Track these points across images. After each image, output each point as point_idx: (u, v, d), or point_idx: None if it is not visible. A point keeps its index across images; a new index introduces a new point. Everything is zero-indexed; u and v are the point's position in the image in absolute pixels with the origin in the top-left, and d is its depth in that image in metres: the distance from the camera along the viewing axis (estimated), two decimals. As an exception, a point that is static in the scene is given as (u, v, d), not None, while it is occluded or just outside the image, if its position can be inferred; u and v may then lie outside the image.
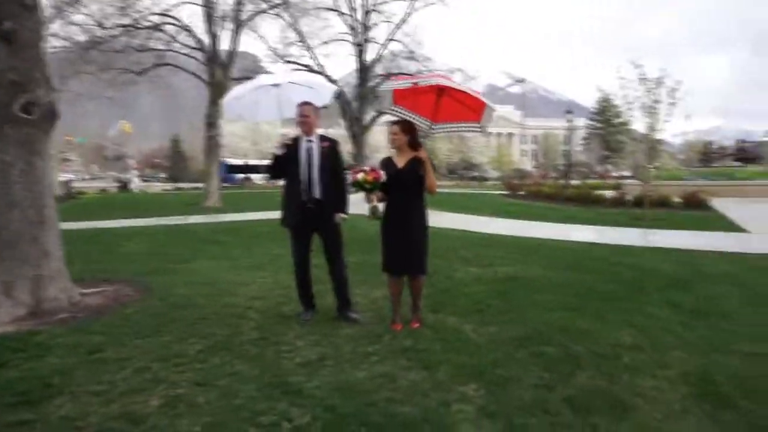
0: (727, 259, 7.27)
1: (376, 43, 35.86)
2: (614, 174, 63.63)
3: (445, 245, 8.40)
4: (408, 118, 4.26)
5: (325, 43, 33.65)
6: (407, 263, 4.11)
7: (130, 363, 3.37)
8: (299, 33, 31.28)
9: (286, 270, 6.56)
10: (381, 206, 4.15)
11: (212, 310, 4.62)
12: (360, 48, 33.81)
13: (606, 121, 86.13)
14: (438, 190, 4.18)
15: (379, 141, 62.38)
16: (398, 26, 33.97)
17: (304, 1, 24.16)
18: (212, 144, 17.89)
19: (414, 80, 4.09)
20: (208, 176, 17.91)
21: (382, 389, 3.00)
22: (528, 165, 75.84)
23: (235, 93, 5.36)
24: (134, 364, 3.35)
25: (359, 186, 4.07)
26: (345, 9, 31.73)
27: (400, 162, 4.11)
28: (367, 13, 33.63)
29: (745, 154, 21.75)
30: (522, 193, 21.54)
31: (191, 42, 18.51)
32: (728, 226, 10.88)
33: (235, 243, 8.95)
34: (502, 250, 7.99)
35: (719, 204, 14.81)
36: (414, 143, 4.11)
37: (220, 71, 17.97)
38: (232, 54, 17.95)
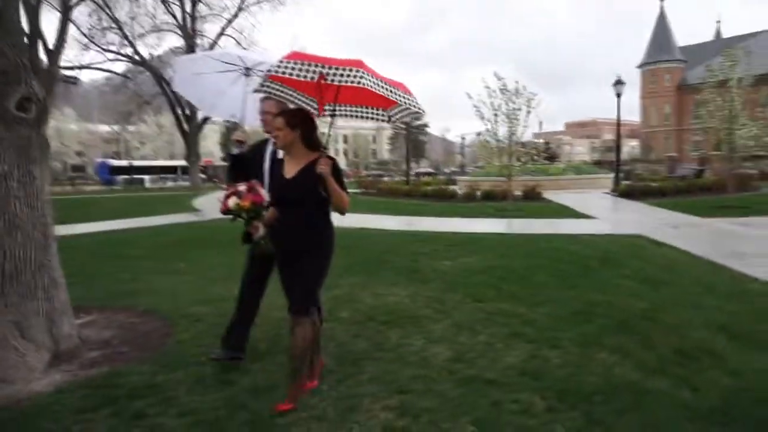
0: (608, 240, 9.07)
1: (207, 37, 33.90)
2: (419, 170, 70.46)
3: (384, 242, 8.81)
4: (285, 97, 3.09)
5: (146, 33, 30.63)
6: (289, 296, 2.92)
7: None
8: (114, 19, 27.89)
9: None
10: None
11: (271, 326, 4.36)
12: (190, 41, 31.49)
13: (407, 123, 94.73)
14: None
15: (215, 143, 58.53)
16: (229, 21, 32.69)
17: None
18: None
19: (320, 68, 2.70)
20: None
21: (550, 368, 3.40)
22: (342, 164, 78.98)
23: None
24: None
25: (235, 216, 2.83)
26: (167, -4, 29.27)
27: (291, 169, 2.86)
28: (194, 3, 31.51)
29: (551, 153, 26.69)
30: (374, 191, 22.69)
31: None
32: (576, 213, 13.35)
33: (161, 255, 8.01)
34: (439, 245, 8.65)
35: (549, 195, 17.89)
36: (310, 142, 2.87)
37: (45, 57, 15.17)
38: (61, 39, 15.28)
